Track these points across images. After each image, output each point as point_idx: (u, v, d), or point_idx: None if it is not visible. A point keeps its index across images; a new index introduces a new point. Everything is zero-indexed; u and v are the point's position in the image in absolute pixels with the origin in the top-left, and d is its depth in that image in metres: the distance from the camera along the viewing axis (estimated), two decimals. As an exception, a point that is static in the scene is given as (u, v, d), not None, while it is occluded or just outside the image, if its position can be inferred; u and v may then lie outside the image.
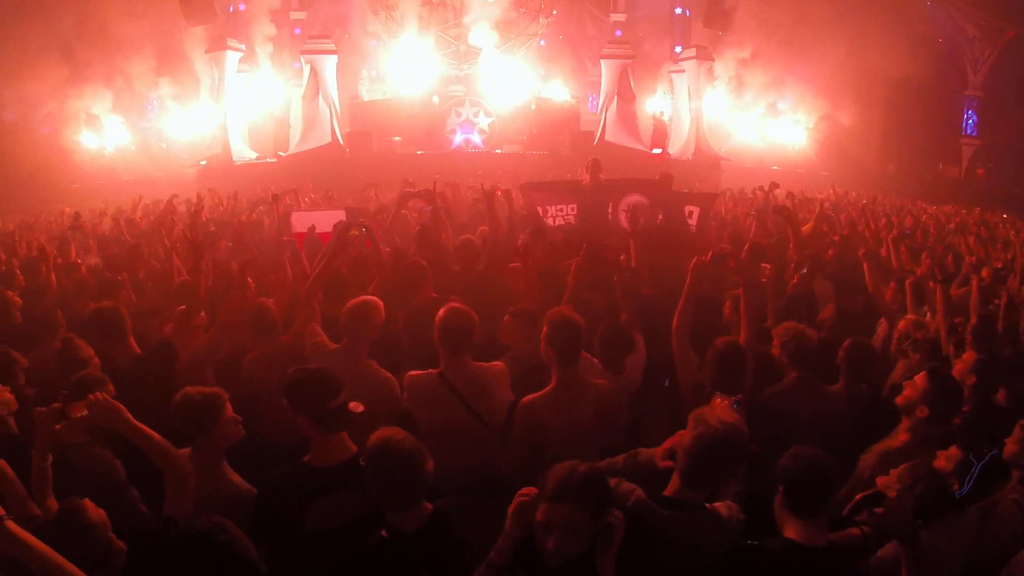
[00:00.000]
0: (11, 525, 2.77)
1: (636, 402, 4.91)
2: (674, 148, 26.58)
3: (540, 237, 6.94)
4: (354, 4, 28.73)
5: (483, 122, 24.83)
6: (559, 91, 27.50)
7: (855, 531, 3.21)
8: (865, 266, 6.42)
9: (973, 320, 5.31)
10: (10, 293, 6.34)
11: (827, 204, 14.74)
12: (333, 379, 3.59)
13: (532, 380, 4.30)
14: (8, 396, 4.24)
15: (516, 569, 2.69)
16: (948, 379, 4.02)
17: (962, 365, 4.58)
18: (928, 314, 5.86)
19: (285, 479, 3.51)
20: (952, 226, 13.36)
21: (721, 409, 3.10)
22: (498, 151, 24.28)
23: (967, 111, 31.14)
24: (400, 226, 8.57)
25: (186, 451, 3.57)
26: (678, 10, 30.92)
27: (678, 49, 29.15)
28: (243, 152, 24.75)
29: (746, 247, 6.82)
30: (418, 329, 5.00)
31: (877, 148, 29.36)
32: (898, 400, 4.01)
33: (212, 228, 9.57)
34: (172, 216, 10.27)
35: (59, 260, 7.83)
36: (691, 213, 8.52)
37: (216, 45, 24.73)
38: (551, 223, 8.55)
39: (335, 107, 24.40)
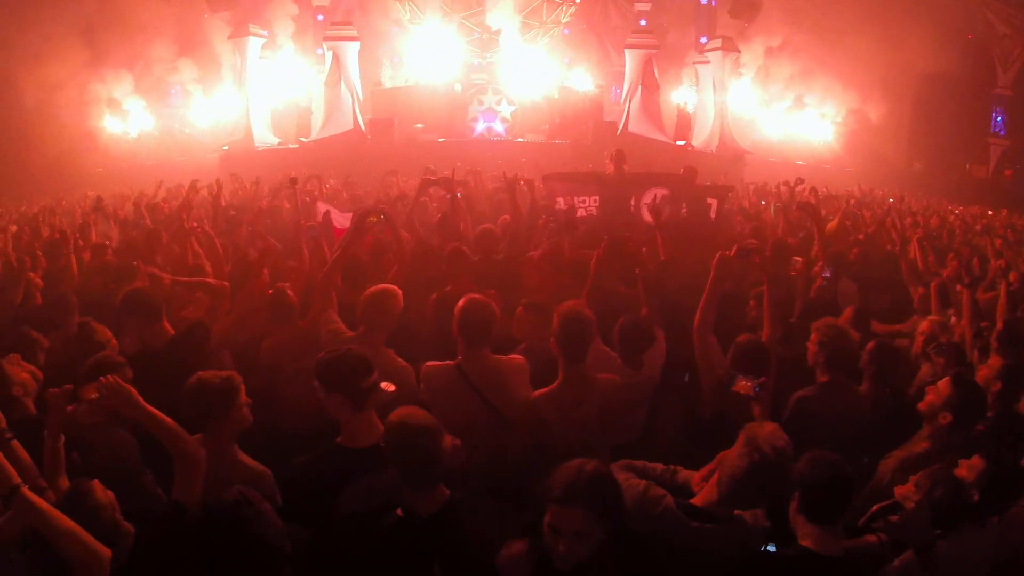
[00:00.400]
0: (26, 492, 2.86)
1: (654, 398, 4.83)
2: (698, 140, 26.39)
3: (571, 229, 6.86)
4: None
5: (505, 111, 24.75)
6: (583, 80, 27.32)
7: (872, 538, 3.14)
8: (903, 265, 6.32)
9: (999, 325, 5.16)
10: (32, 275, 6.37)
11: (852, 201, 14.54)
12: (365, 358, 3.65)
13: (547, 375, 4.20)
14: (26, 376, 4.28)
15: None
16: (972, 385, 3.92)
17: (987, 371, 4.43)
18: (952, 317, 5.74)
19: (319, 461, 3.54)
20: (979, 228, 13.15)
21: (772, 431, 2.95)
22: (520, 140, 24.20)
23: (996, 110, 30.63)
24: (420, 214, 8.53)
25: (197, 437, 3.55)
26: (704, 0, 30.60)
27: (703, 40, 28.87)
28: (265, 138, 24.84)
29: (771, 243, 6.72)
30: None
31: (904, 145, 28.99)
32: (920, 405, 3.92)
33: (232, 213, 9.58)
34: (193, 201, 10.29)
35: (81, 243, 7.85)
36: (711, 205, 8.45)
37: (239, 31, 24.82)
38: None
39: (357, 94, 24.41)
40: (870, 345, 4.49)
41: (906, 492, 2.91)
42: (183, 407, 3.58)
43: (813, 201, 10.00)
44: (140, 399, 3.41)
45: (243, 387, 3.74)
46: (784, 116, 28.85)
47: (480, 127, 24.65)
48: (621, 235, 6.07)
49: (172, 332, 5.13)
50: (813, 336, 4.41)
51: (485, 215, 8.82)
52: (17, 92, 24.07)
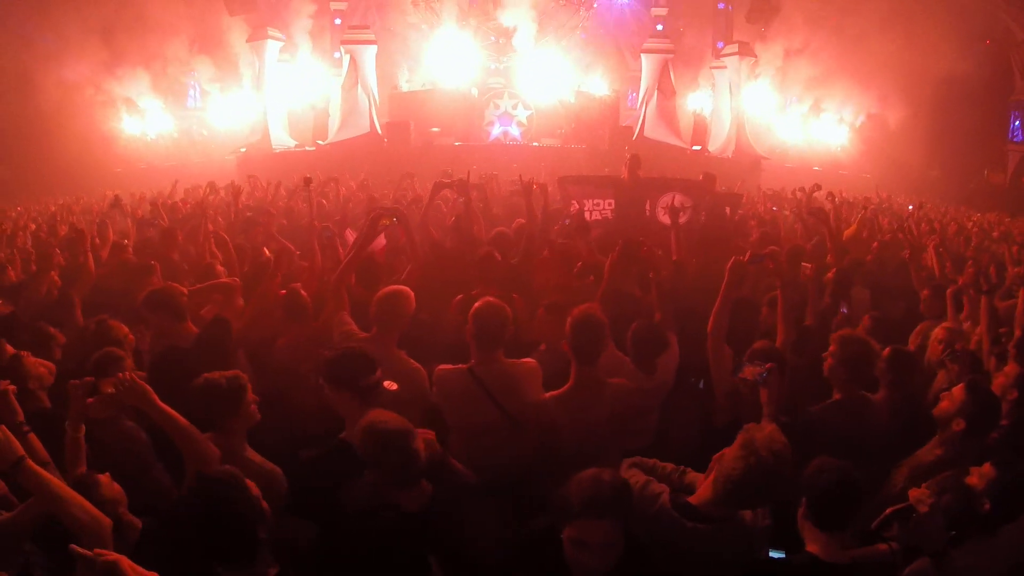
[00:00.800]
0: (30, 463, 2.97)
1: (667, 404, 4.81)
2: (714, 145, 26.29)
3: (583, 232, 6.86)
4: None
5: (521, 115, 24.75)
6: (598, 85, 27.30)
7: (883, 547, 3.08)
8: (911, 270, 6.25)
9: (1017, 333, 5.09)
10: (54, 273, 6.43)
11: (871, 208, 14.43)
12: (368, 356, 3.76)
13: (567, 377, 4.18)
14: (42, 371, 4.35)
15: None
16: (987, 393, 3.87)
17: (1004, 379, 4.37)
18: (965, 323, 5.68)
19: (323, 456, 3.59)
20: (996, 235, 13.03)
21: (770, 433, 2.92)
22: (536, 144, 24.17)
23: (1014, 116, 30.31)
24: (435, 217, 8.54)
25: (208, 435, 3.59)
26: (721, 4, 30.48)
27: (720, 45, 28.77)
28: (282, 140, 24.95)
29: (785, 249, 6.68)
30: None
31: (921, 151, 28.73)
32: (935, 411, 3.88)
33: (249, 215, 9.63)
34: (210, 202, 10.38)
35: (97, 241, 7.92)
36: (726, 212, 8.47)
37: (257, 34, 24.93)
38: (587, 217, 8.51)
39: (374, 97, 24.48)
40: (886, 352, 4.42)
41: (919, 496, 2.84)
42: (192, 408, 3.62)
43: (830, 207, 9.95)
44: (155, 397, 3.46)
45: (249, 385, 3.78)
46: (801, 121, 28.70)
47: (496, 131, 24.67)
48: (636, 239, 6.05)
49: (196, 331, 5.18)
50: (833, 348, 4.27)
51: (499, 219, 8.82)
52: (35, 92, 24.30)
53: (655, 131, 25.43)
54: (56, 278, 6.48)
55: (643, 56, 26.57)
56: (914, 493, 2.88)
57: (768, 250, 5.14)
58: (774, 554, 3.12)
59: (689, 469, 3.34)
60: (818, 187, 12.08)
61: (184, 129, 27.77)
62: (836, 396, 4.25)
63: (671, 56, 26.21)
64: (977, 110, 28.07)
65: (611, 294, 5.43)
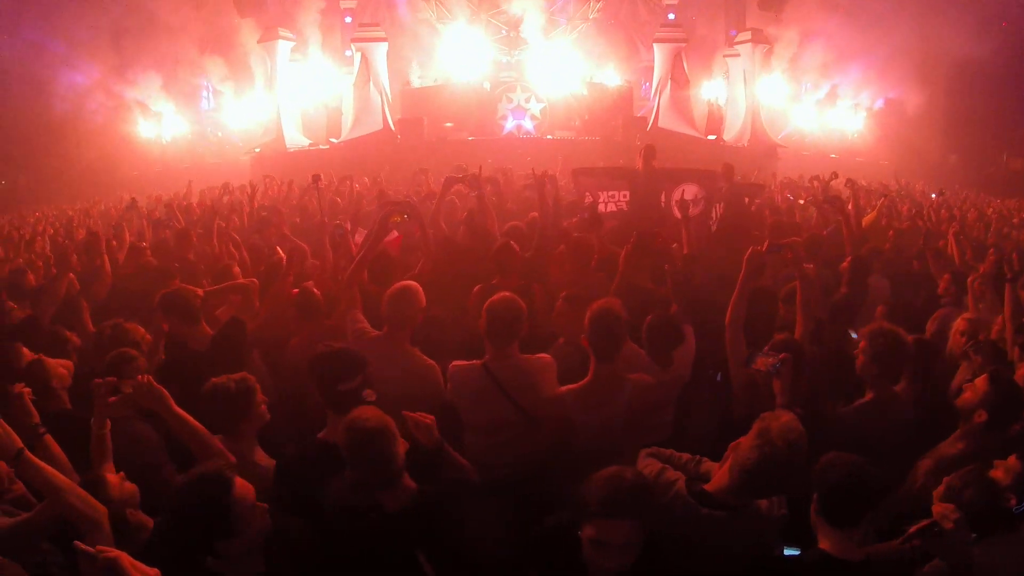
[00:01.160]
0: (29, 455, 3.05)
1: (683, 396, 4.76)
2: (729, 134, 26.10)
3: (597, 224, 6.81)
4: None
5: (535, 108, 24.69)
6: (611, 76, 27.17)
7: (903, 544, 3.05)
8: (929, 257, 6.15)
9: None
10: (72, 276, 6.47)
11: (890, 195, 14.26)
12: (353, 361, 3.68)
13: (584, 372, 4.12)
14: (63, 371, 4.41)
15: None
16: (1011, 383, 3.78)
17: None
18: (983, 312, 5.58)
19: (301, 454, 3.58)
20: (1016, 221, 12.85)
21: (786, 422, 2.86)
22: (550, 137, 24.11)
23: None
24: (447, 212, 8.51)
25: (218, 437, 3.59)
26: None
27: (733, 33, 28.54)
28: (296, 139, 25.02)
29: (803, 238, 6.60)
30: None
31: (939, 137, 28.39)
32: (957, 403, 3.81)
33: (264, 214, 9.65)
34: (226, 203, 10.42)
35: (114, 243, 7.97)
36: (746, 203, 8.40)
37: (268, 35, 24.98)
38: (602, 209, 8.45)
39: (386, 94, 24.50)
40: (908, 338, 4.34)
41: (944, 511, 2.77)
42: (203, 412, 3.62)
43: (848, 194, 9.84)
44: (171, 401, 3.47)
45: (258, 387, 3.80)
46: (816, 108, 28.44)
47: (509, 125, 24.61)
48: (650, 231, 5.99)
49: (211, 332, 5.19)
50: (863, 345, 4.14)
51: (512, 213, 8.78)
52: (49, 99, 24.52)
53: (669, 121, 25.27)
54: (75, 281, 6.50)
55: (655, 46, 26.39)
56: (938, 508, 2.81)
57: (786, 240, 5.06)
58: (788, 551, 3.07)
59: (705, 458, 3.29)
60: (835, 175, 11.95)
61: (198, 131, 27.94)
62: (868, 395, 4.12)
63: (684, 45, 26.01)
64: (995, 94, 27.70)
65: (624, 287, 5.37)
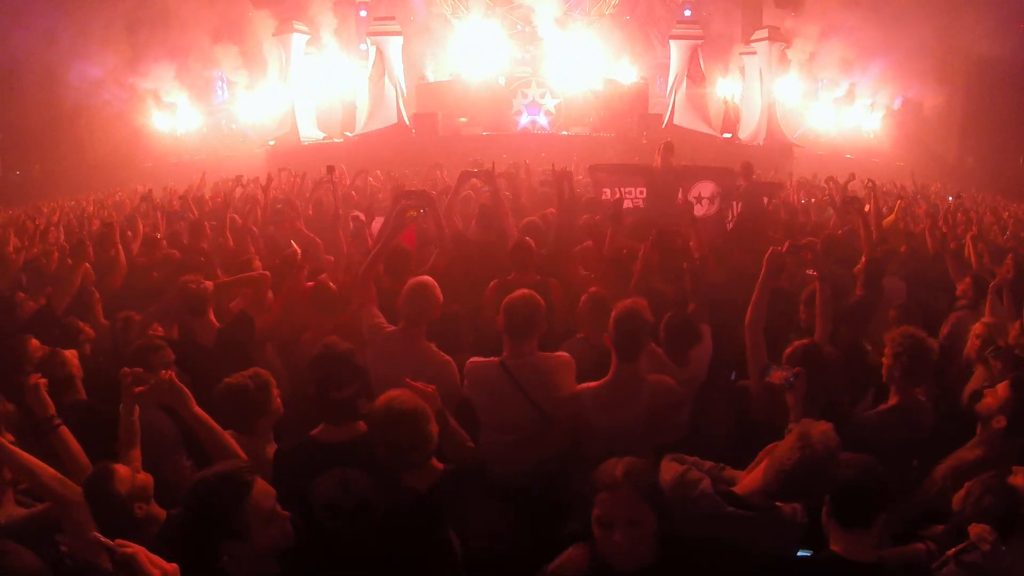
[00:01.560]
0: (2, 441, 3.23)
1: (699, 396, 4.72)
2: (745, 133, 25.96)
3: (616, 221, 6.77)
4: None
5: (549, 103, 24.63)
6: (627, 72, 27.07)
7: (920, 546, 3.04)
8: (948, 261, 6.07)
9: None
10: (88, 266, 6.48)
11: (907, 196, 14.13)
12: (350, 369, 3.62)
13: (605, 368, 4.09)
14: (77, 362, 4.41)
15: None
16: None
17: None
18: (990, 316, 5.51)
19: (292, 452, 3.56)
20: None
21: (826, 430, 2.85)
22: (565, 133, 24.03)
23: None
24: (462, 207, 8.48)
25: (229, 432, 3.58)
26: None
27: (750, 30, 28.36)
28: (311, 133, 25.04)
29: (822, 239, 6.54)
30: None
31: (956, 138, 28.16)
32: (977, 408, 3.79)
33: (279, 207, 9.65)
34: (240, 196, 10.42)
35: (129, 234, 7.98)
36: (765, 202, 8.35)
37: (283, 28, 25.00)
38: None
39: (401, 88, 24.48)
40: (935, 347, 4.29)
41: (981, 532, 2.78)
42: (220, 413, 3.61)
43: (866, 194, 9.74)
44: (192, 400, 3.47)
45: (273, 380, 3.80)
46: (833, 107, 28.27)
47: (524, 120, 24.56)
48: (669, 229, 5.94)
49: (218, 326, 5.18)
50: (888, 349, 4.09)
51: (527, 209, 8.74)
52: (64, 90, 24.64)
53: (685, 119, 25.15)
54: (91, 271, 6.51)
55: (672, 43, 26.25)
56: (975, 529, 2.81)
57: (805, 241, 5.02)
58: (800, 553, 3.05)
59: (727, 466, 3.26)
60: (853, 177, 11.86)
61: (212, 123, 28.03)
62: (893, 399, 4.08)
63: (700, 42, 25.87)
64: (1013, 96, 27.45)
65: (642, 286, 5.33)
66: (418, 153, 19.80)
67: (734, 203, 8.31)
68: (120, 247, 7.12)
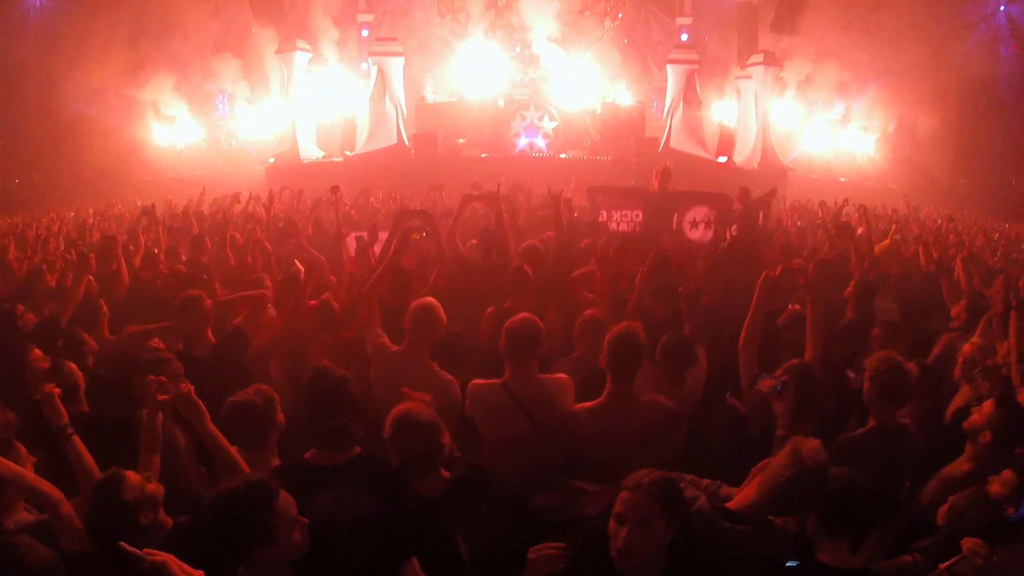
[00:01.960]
0: None
1: (694, 415, 4.81)
2: (740, 156, 26.17)
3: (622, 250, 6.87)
4: (421, 5, 29.03)
5: (548, 126, 24.81)
6: (624, 96, 27.33)
7: (907, 558, 3.15)
8: (943, 284, 6.18)
9: None
10: (91, 277, 6.53)
11: (900, 219, 14.31)
12: (343, 399, 3.61)
13: (598, 386, 4.21)
14: (80, 373, 4.47)
15: None
16: (1017, 407, 3.85)
17: None
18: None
19: (284, 473, 3.49)
20: (1024, 246, 12.91)
21: (816, 447, 2.99)
22: (563, 155, 24.20)
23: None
24: (463, 229, 8.59)
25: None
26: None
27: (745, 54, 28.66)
28: (311, 151, 25.17)
29: (814, 263, 6.65)
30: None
31: (949, 161, 28.44)
32: (965, 424, 3.88)
33: (281, 225, 9.74)
34: (240, 212, 10.50)
35: (131, 248, 8.03)
36: (760, 218, 8.49)
37: (286, 46, 25.22)
38: (614, 227, 8.58)
39: (401, 108, 24.65)
40: (912, 366, 4.36)
41: (974, 547, 2.89)
42: (227, 430, 3.68)
43: (858, 219, 9.89)
44: (207, 416, 3.57)
45: (276, 395, 3.85)
46: (827, 131, 28.56)
47: (522, 143, 24.74)
48: (666, 252, 6.05)
49: (214, 340, 5.27)
50: (867, 372, 4.18)
51: (524, 231, 8.85)
52: (66, 100, 24.77)
53: (681, 142, 25.34)
54: (94, 283, 6.57)
55: (669, 67, 26.47)
56: (968, 543, 2.91)
57: (795, 264, 5.13)
58: (788, 563, 3.15)
59: (723, 483, 3.37)
60: (846, 202, 12.00)
61: (212, 138, 28.16)
62: (870, 422, 4.16)
63: (697, 67, 26.14)
64: (1003, 118, 27.76)
65: (639, 308, 5.43)
66: (417, 173, 19.88)
67: (730, 227, 8.43)
68: (123, 260, 7.19)
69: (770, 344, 4.88)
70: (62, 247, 9.91)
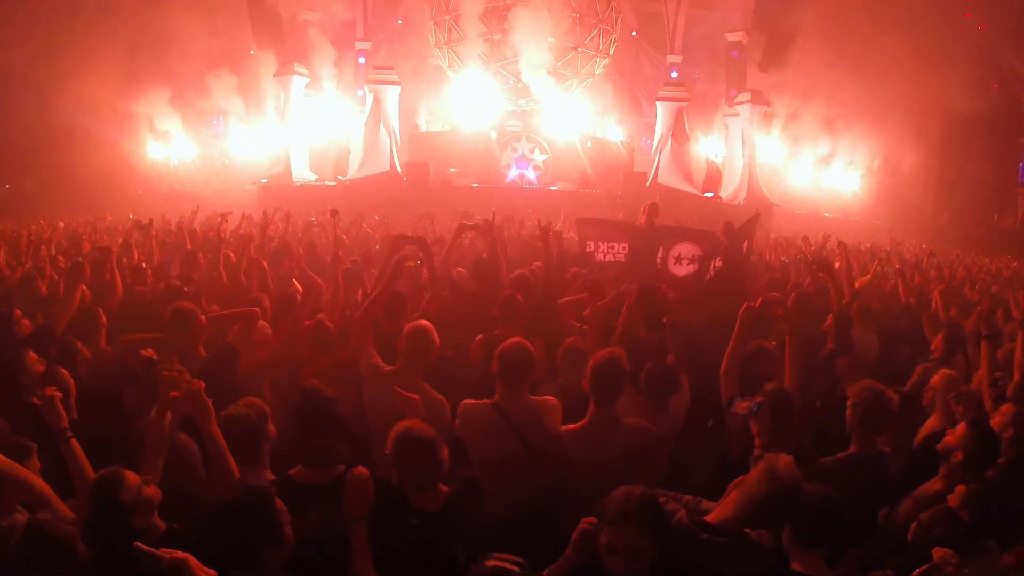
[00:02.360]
0: None
1: (678, 441, 4.95)
2: (726, 192, 26.53)
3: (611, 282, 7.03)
4: (417, 36, 29.40)
5: (538, 158, 25.09)
6: (614, 131, 27.70)
7: (878, 573, 3.32)
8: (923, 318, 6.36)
9: (1017, 376, 5.21)
10: (84, 287, 6.59)
11: (882, 254, 14.56)
12: (331, 420, 3.80)
13: (580, 410, 4.34)
14: (71, 381, 4.55)
15: None
16: (988, 430, 4.04)
17: (1000, 417, 4.47)
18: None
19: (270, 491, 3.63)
20: (1005, 277, 13.14)
21: (789, 462, 3.16)
22: (553, 188, 24.47)
23: (1023, 160, 30.46)
24: (456, 258, 8.71)
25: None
26: (735, 53, 30.87)
27: (733, 92, 29.18)
28: (303, 174, 25.34)
29: (792, 295, 6.82)
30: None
31: (931, 196, 28.86)
32: (938, 446, 4.05)
33: (274, 245, 9.85)
34: (232, 231, 10.55)
35: (124, 260, 8.05)
36: (745, 247, 8.66)
37: (284, 69, 25.51)
38: (600, 258, 8.71)
39: (395, 136, 24.90)
40: (892, 394, 4.48)
41: (945, 556, 3.04)
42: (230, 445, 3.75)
43: (839, 254, 10.08)
44: (212, 417, 3.65)
45: (268, 410, 3.93)
46: (813, 167, 29.00)
47: (513, 174, 25.00)
48: (652, 283, 6.22)
49: (204, 355, 5.35)
50: (849, 400, 4.33)
51: (515, 262, 9.00)
52: (61, 110, 24.84)
53: (669, 178, 25.65)
54: (87, 291, 6.61)
55: (658, 104, 26.91)
56: (939, 553, 3.06)
57: (773, 297, 5.30)
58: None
59: (704, 499, 3.54)
60: (828, 237, 12.20)
61: (206, 156, 28.24)
62: (851, 448, 4.30)
63: (686, 104, 26.59)
64: (985, 153, 28.24)
65: (626, 336, 5.58)
66: (409, 201, 20.07)
67: (715, 260, 8.58)
68: (116, 272, 7.23)
69: (752, 371, 5.03)
70: (54, 254, 9.90)
